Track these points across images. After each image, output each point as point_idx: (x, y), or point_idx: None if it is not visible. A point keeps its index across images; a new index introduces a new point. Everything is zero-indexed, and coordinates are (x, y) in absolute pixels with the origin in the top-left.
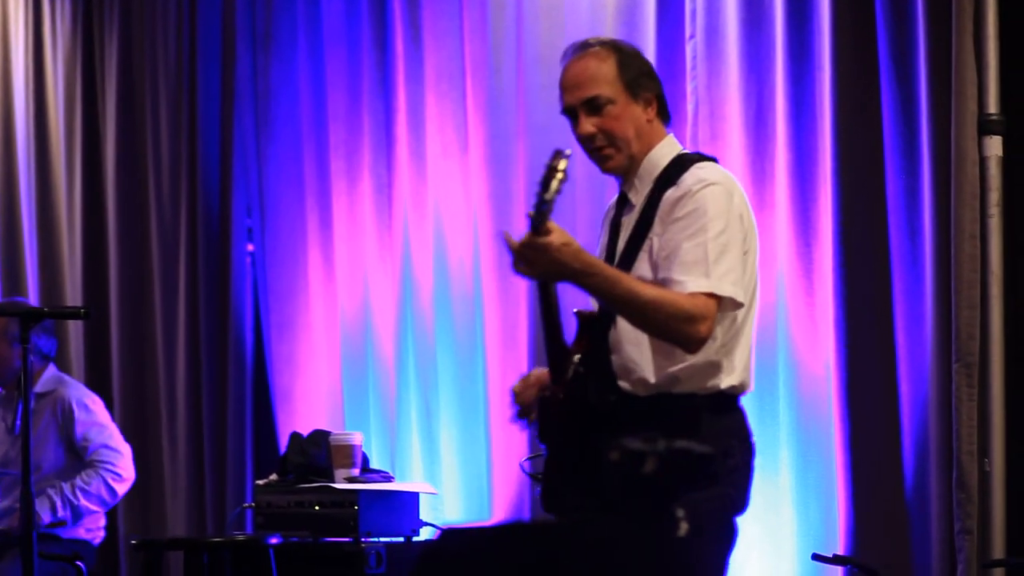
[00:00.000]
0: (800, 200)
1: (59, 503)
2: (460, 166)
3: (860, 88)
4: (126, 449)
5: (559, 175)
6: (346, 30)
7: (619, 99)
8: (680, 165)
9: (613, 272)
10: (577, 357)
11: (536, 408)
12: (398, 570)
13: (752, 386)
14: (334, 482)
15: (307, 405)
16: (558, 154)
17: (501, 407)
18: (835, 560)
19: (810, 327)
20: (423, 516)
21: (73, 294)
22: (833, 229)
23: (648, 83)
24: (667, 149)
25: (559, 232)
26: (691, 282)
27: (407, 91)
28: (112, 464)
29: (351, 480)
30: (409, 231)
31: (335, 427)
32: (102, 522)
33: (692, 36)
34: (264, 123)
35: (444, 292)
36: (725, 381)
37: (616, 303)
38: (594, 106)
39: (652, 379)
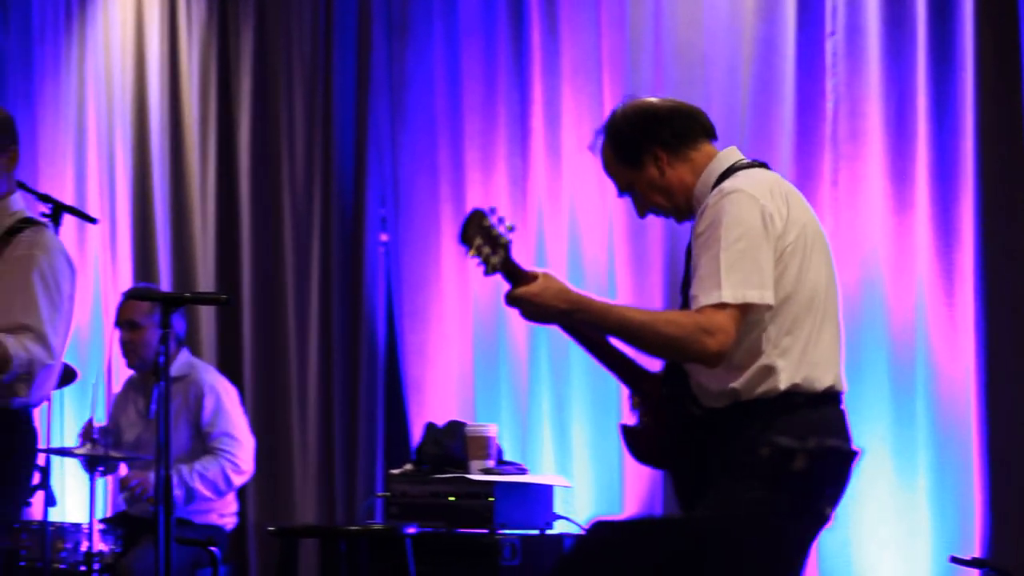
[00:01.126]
0: (941, 201)
1: (175, 482)
2: (595, 160)
3: (1003, 88)
4: (249, 441)
5: (492, 233)
6: (482, 20)
7: (633, 177)
8: (720, 182)
9: (601, 304)
10: (660, 382)
11: (623, 438)
12: (532, 562)
13: (837, 382)
14: (469, 473)
15: (438, 395)
16: (476, 216)
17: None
18: (974, 563)
19: (950, 329)
20: (556, 509)
21: (205, 283)
22: (974, 230)
23: (640, 143)
24: (713, 169)
25: (540, 277)
26: (703, 296)
27: (543, 84)
28: (232, 453)
29: (486, 472)
30: (543, 223)
31: (466, 418)
32: (234, 508)
33: (833, 33)
34: (399, 112)
35: (578, 284)
36: (785, 382)
37: (612, 334)
38: (627, 193)
39: (718, 397)
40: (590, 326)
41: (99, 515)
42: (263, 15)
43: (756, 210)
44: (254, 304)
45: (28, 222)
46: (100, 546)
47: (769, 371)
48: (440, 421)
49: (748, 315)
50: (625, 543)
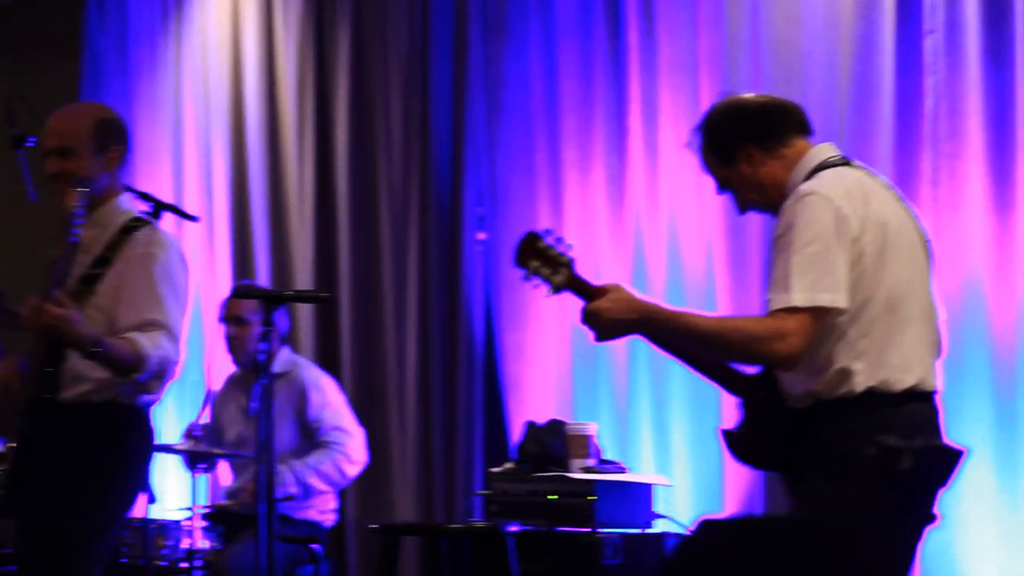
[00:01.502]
0: None
1: (291, 479)
2: (693, 158)
3: None
4: (358, 432)
5: (550, 253)
6: (579, 19)
7: (728, 174)
8: (808, 179)
9: (671, 313)
10: (755, 384)
11: (724, 441)
12: (633, 561)
13: (922, 382)
14: (570, 472)
15: (537, 394)
16: (530, 239)
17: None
18: None
19: None
20: (657, 508)
21: (303, 281)
22: None
23: (733, 140)
24: (804, 166)
25: (612, 290)
26: (774, 300)
27: (640, 82)
28: (343, 446)
29: (587, 470)
30: (641, 222)
31: (564, 417)
32: (333, 504)
33: (932, 31)
34: (496, 111)
35: (676, 284)
36: (861, 385)
37: (684, 342)
38: (725, 190)
39: (801, 399)
40: (663, 336)
41: (200, 511)
42: (360, 14)
43: (830, 212)
44: (352, 303)
45: (141, 221)
46: (201, 543)
47: (846, 374)
48: (538, 420)
49: (823, 318)
50: (734, 541)
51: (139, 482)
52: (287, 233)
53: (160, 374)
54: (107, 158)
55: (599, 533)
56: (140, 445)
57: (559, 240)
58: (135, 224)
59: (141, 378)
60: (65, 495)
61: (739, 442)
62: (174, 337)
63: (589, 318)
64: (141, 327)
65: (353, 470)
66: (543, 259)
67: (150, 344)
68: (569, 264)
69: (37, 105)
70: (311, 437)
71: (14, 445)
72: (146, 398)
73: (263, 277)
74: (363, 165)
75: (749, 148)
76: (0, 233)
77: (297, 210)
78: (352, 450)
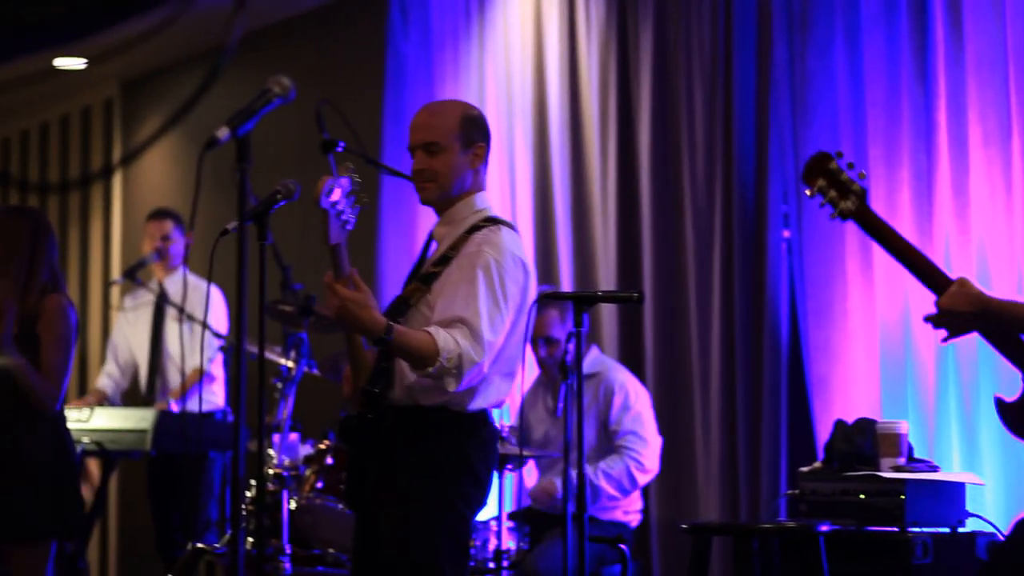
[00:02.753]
0: None
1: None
2: (1002, 155)
3: None
4: (656, 441)
5: (841, 177)
6: (884, 14)
7: None
8: None
9: (1014, 305)
10: None
11: (996, 409)
12: (944, 561)
13: None
14: (879, 471)
15: (843, 393)
16: (821, 157)
17: None
18: None
19: None
20: (968, 507)
21: (606, 280)
22: None
23: None
24: None
25: (955, 284)
26: None
27: (947, 78)
28: (638, 452)
29: (897, 469)
30: (949, 219)
31: (871, 415)
32: (639, 505)
33: None
34: (800, 109)
35: (983, 282)
36: None
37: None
38: None
39: None
40: (1007, 325)
41: (507, 512)
42: (662, 14)
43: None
44: (655, 302)
45: (490, 221)
46: (508, 543)
47: None
48: (845, 418)
49: None
50: None
51: (477, 488)
52: (590, 233)
53: (455, 372)
54: (472, 154)
55: (910, 533)
56: (474, 449)
57: (851, 167)
58: (482, 224)
59: (432, 371)
60: (407, 502)
61: (1013, 413)
62: (479, 338)
63: (940, 316)
64: (447, 323)
65: (644, 479)
66: (832, 181)
67: (447, 339)
68: (861, 194)
69: (344, 111)
70: (610, 439)
71: (346, 443)
72: (476, 405)
73: (566, 277)
74: (666, 164)
75: None
76: (313, 235)
77: (600, 210)
78: (646, 458)
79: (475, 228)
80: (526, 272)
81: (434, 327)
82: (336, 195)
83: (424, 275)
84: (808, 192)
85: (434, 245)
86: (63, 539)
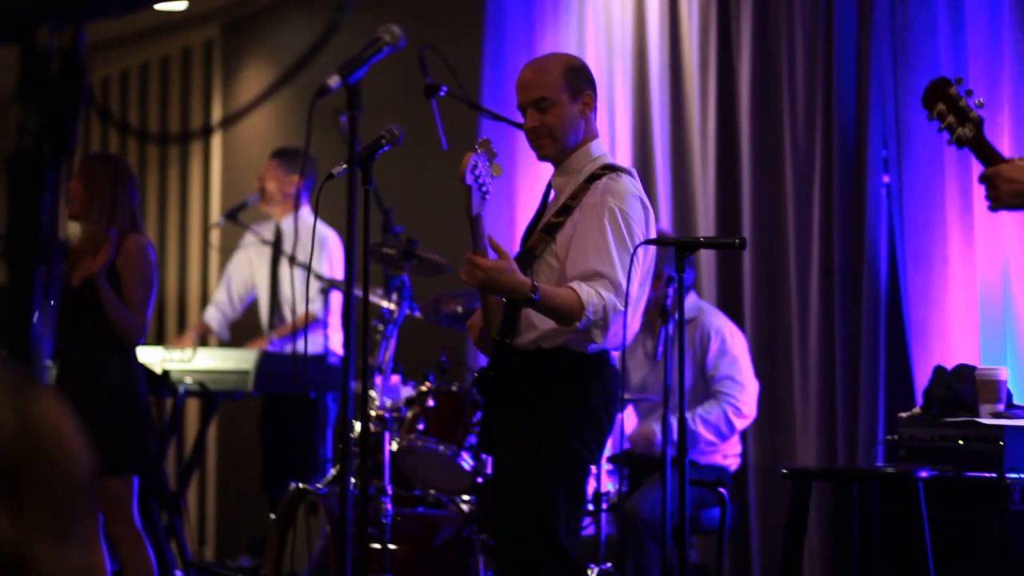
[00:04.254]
0: None
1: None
2: None
3: None
4: (753, 385)
5: (960, 103)
6: None
7: None
8: None
9: None
10: None
11: None
12: None
13: None
14: (979, 417)
15: (942, 339)
16: (941, 83)
17: None
18: None
19: None
20: None
21: (705, 226)
22: None
23: None
24: None
25: (1019, 160)
26: None
27: None
28: (735, 398)
29: (996, 415)
30: None
31: (970, 361)
32: (738, 449)
33: None
34: (902, 55)
35: None
36: None
37: None
38: None
39: None
40: None
41: (606, 454)
42: None
43: None
44: (754, 248)
45: (609, 168)
46: (607, 485)
47: None
48: (944, 364)
49: None
50: None
51: (596, 431)
52: (690, 178)
53: (602, 324)
54: (582, 104)
55: (1008, 479)
56: (593, 392)
57: (971, 94)
58: (601, 172)
59: (580, 326)
60: (527, 441)
61: None
62: (619, 288)
63: (989, 182)
64: (586, 277)
65: (741, 423)
66: (950, 107)
67: (592, 294)
68: (979, 122)
69: (447, 56)
70: (707, 384)
71: (481, 394)
72: (594, 346)
73: (665, 222)
74: (766, 109)
75: None
76: (416, 181)
77: (700, 155)
78: (743, 403)
79: (595, 176)
80: (648, 212)
81: (576, 282)
82: (479, 169)
83: (547, 225)
84: (928, 116)
85: (553, 194)
86: (138, 473)
